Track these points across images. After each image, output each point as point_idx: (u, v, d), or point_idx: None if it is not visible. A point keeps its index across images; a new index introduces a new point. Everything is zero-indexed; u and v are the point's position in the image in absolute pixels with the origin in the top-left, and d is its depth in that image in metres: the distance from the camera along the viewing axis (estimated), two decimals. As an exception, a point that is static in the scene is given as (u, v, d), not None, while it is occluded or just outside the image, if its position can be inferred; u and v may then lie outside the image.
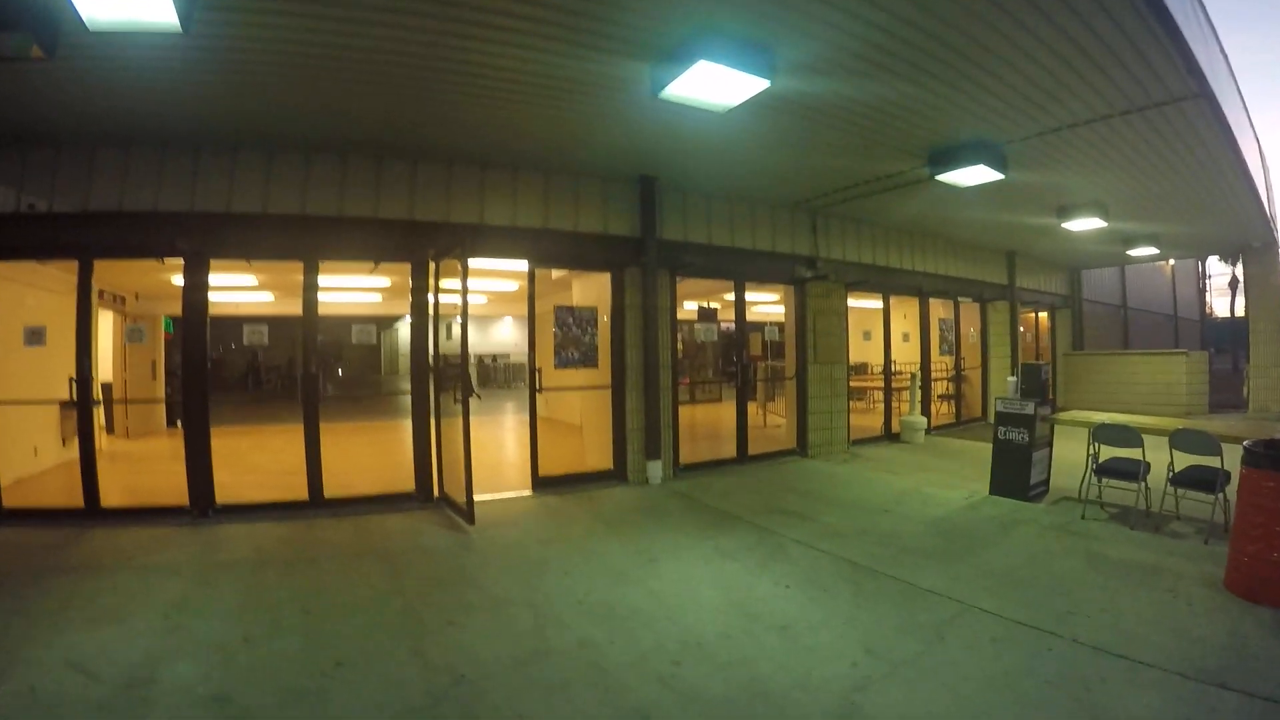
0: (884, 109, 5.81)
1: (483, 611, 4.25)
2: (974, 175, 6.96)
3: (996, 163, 6.74)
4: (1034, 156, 7.05)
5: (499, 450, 10.73)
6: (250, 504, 6.58)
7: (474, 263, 8.01)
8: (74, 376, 6.32)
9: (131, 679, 3.33)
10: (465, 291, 6.03)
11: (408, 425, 7.13)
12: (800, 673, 3.42)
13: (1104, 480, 6.06)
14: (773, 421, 12.12)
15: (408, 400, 7.07)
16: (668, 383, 7.96)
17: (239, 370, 27.03)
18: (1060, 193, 8.76)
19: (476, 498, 6.29)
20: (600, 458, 8.09)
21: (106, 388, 11.01)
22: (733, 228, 8.67)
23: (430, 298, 6.95)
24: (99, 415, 10.36)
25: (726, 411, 13.81)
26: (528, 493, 7.31)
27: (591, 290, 8.47)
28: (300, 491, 6.68)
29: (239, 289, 11.98)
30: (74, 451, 8.09)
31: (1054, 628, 3.82)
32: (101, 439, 10.30)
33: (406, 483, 7.01)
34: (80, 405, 6.35)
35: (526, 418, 7.75)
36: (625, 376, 7.76)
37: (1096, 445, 6.11)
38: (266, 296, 12.85)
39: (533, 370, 7.36)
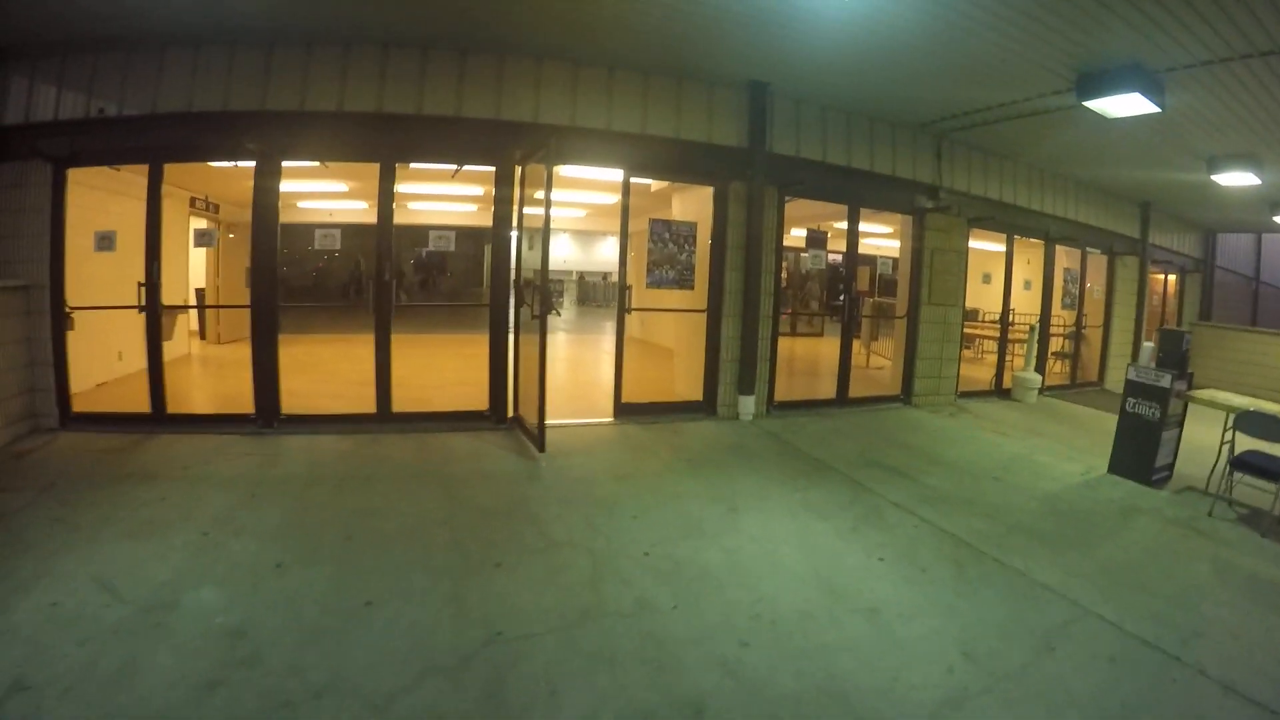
0: (1031, 12, 4.82)
1: (535, 554, 3.81)
2: (1126, 105, 5.89)
3: (1153, 92, 5.66)
4: (1195, 91, 5.95)
5: (584, 372, 10.26)
6: (316, 415, 6.37)
7: (567, 170, 7.52)
8: (142, 282, 6.13)
9: (153, 602, 3.09)
10: (549, 202, 5.42)
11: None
12: (886, 675, 2.83)
13: (1237, 475, 5.10)
14: (876, 363, 11.27)
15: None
16: (768, 312, 7.21)
17: (341, 279, 27.30)
18: (1216, 139, 7.48)
19: (552, 422, 5.87)
20: (690, 387, 7.48)
21: (200, 294, 11.36)
22: (850, 145, 7.69)
23: (515, 206, 6.31)
24: (188, 321, 10.49)
25: (827, 348, 12.92)
26: (609, 420, 6.82)
27: (692, 205, 7.72)
28: (371, 404, 6.39)
29: (330, 195, 11.91)
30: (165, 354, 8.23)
31: (1178, 651, 3.12)
32: (193, 343, 10.71)
33: (481, 401, 6.58)
34: (149, 311, 6.18)
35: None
36: (723, 301, 7.06)
37: (1232, 433, 5.11)
38: (360, 205, 12.74)
39: (622, 289, 6.78)
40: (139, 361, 7.80)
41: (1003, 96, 6.68)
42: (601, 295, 25.86)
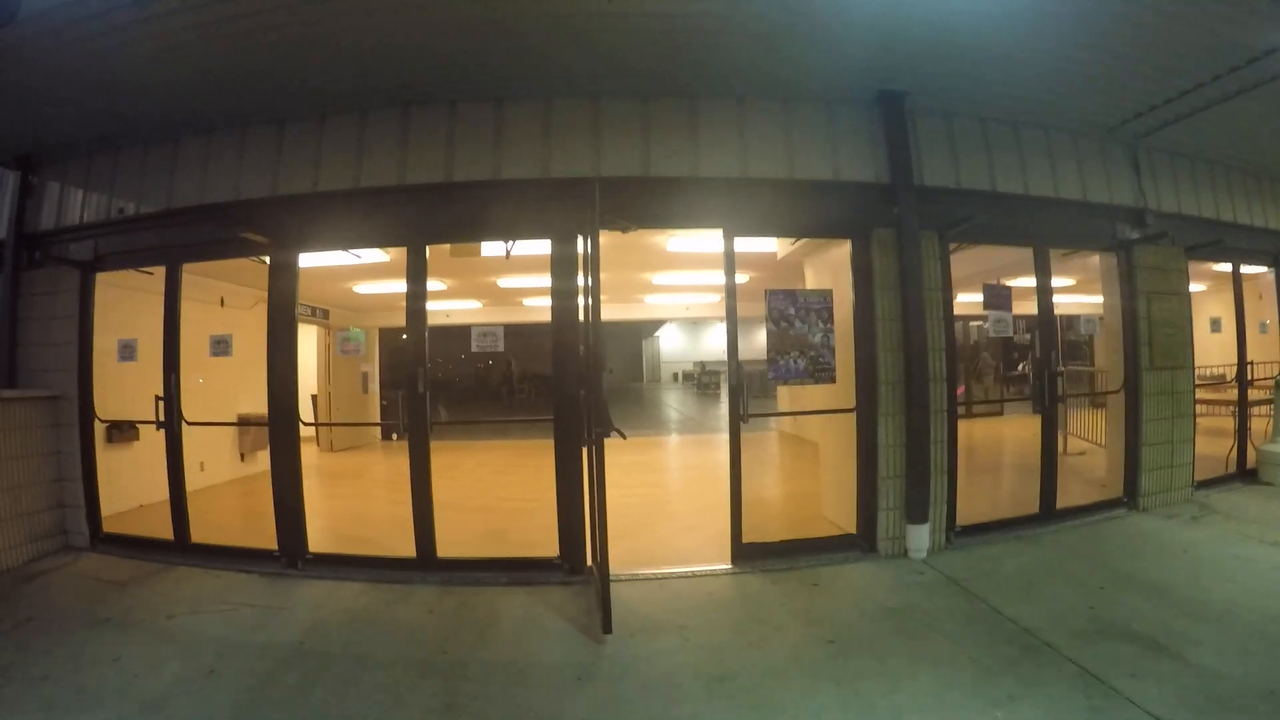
0: None
1: None
2: None
3: None
4: None
5: (698, 489, 8.24)
6: (349, 556, 5.14)
7: (673, 245, 5.99)
8: (160, 395, 5.44)
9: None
10: (595, 274, 3.90)
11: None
12: None
13: None
14: (1074, 447, 8.77)
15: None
16: (941, 404, 5.12)
17: (493, 381, 28.31)
18: None
19: (642, 571, 4.57)
20: (841, 510, 5.51)
21: (313, 401, 11.75)
22: (1024, 166, 5.67)
23: (580, 282, 4.67)
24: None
25: (1010, 430, 10.79)
26: (723, 568, 4.89)
27: (827, 270, 5.87)
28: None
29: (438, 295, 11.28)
30: (251, 467, 8.06)
31: None
32: (308, 451, 10.14)
33: (552, 545, 4.90)
34: (168, 428, 5.45)
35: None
36: (876, 394, 5.05)
37: None
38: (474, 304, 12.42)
39: (738, 388, 4.90)
40: (228, 473, 7.68)
41: (1221, 64, 4.60)
42: (757, 386, 23.97)
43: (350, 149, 4.98)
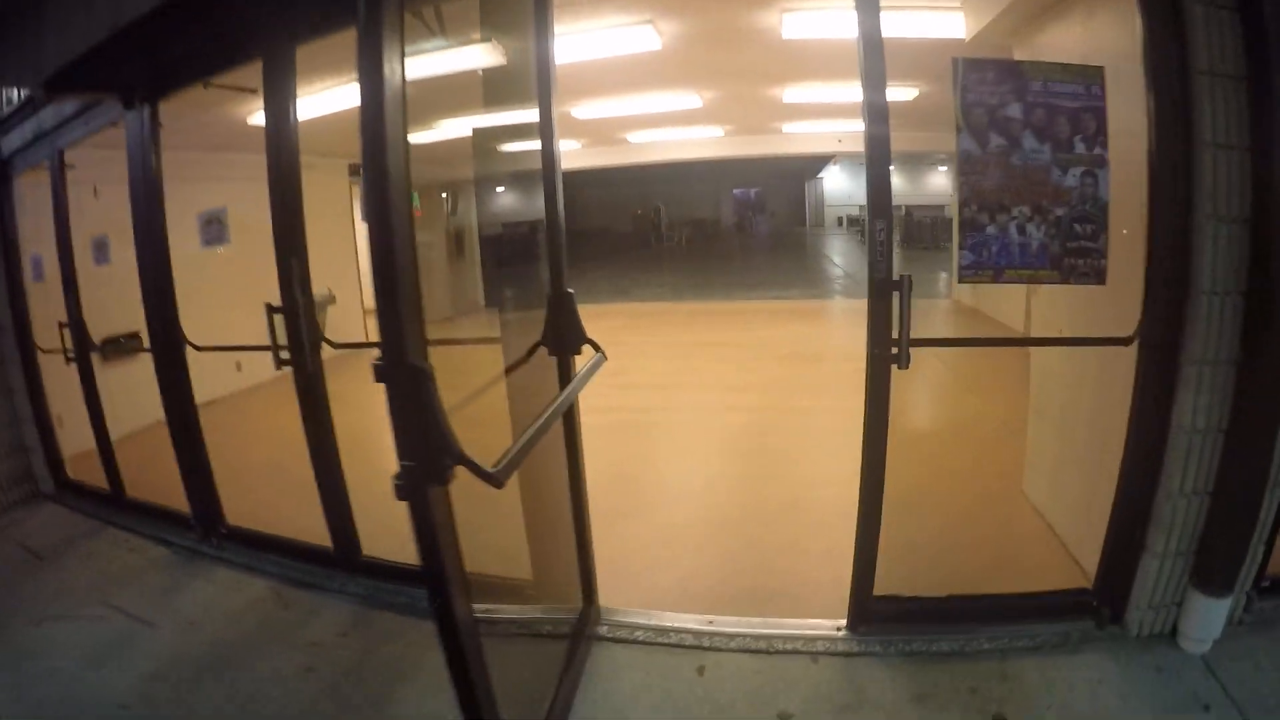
0: None
1: None
2: None
3: None
4: None
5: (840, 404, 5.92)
6: (266, 536, 3.52)
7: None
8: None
9: None
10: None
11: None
12: None
13: None
14: None
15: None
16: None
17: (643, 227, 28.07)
18: None
19: (684, 625, 2.60)
20: (1053, 496, 3.19)
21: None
22: None
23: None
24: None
25: None
26: (833, 634, 2.56)
27: (1085, 35, 2.85)
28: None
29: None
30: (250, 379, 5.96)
31: None
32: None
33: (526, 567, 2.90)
34: (78, 353, 4.09)
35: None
36: (1183, 315, 2.22)
37: None
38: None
39: (886, 272, 2.16)
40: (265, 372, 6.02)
41: None
42: (929, 234, 20.28)
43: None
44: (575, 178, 17.81)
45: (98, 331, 4.05)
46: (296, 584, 3.19)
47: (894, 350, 2.14)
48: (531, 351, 2.17)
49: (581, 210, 31.82)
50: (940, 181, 22.93)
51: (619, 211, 30.45)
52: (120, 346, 4.44)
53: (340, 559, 3.17)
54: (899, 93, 7.02)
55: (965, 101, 2.02)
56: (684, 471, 4.41)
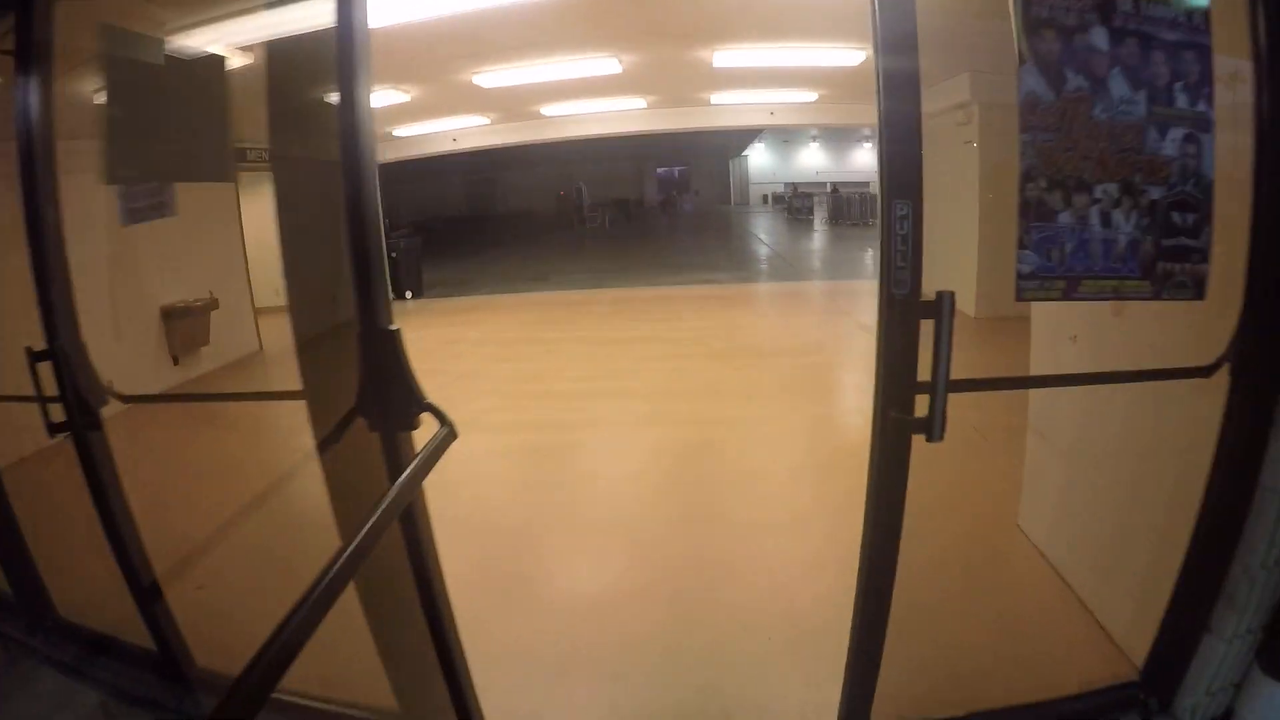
0: None
1: None
2: None
3: None
4: None
5: (791, 402, 5.27)
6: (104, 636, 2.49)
7: None
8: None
9: None
10: None
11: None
12: None
13: None
14: None
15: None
16: None
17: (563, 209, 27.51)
18: None
19: None
20: (1052, 529, 2.64)
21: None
22: None
23: None
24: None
25: None
26: None
27: None
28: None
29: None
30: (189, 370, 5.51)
31: None
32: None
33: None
34: None
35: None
36: None
37: None
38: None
39: (903, 271, 1.37)
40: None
41: None
42: (856, 211, 19.83)
43: None
44: (490, 157, 16.68)
45: None
46: (131, 699, 2.29)
47: (918, 410, 1.41)
48: (344, 425, 1.37)
49: (501, 194, 30.94)
50: (865, 158, 22.88)
51: (542, 194, 29.73)
52: None
53: (169, 669, 2.30)
54: (845, 55, 6.40)
55: (1029, 16, 1.30)
56: (604, 525, 3.50)
